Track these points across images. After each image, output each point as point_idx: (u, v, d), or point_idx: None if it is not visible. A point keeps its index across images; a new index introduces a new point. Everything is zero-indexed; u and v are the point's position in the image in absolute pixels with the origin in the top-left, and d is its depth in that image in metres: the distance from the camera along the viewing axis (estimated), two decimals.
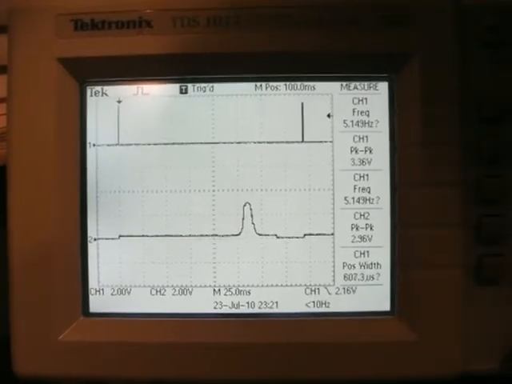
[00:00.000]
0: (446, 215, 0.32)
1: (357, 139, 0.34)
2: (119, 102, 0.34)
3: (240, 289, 0.34)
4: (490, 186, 0.32)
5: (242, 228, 0.34)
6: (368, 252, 0.34)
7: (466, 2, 0.32)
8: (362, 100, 0.34)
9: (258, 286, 0.34)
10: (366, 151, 0.34)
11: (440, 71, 0.32)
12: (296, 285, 0.34)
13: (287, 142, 0.34)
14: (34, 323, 0.33)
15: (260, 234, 0.34)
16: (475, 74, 0.33)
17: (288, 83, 0.34)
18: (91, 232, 0.34)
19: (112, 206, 0.34)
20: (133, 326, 0.33)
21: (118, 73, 0.33)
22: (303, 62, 0.33)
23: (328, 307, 0.34)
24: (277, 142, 0.34)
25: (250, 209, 0.34)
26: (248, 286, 0.34)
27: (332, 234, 0.34)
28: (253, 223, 0.34)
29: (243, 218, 0.34)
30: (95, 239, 0.34)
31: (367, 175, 0.34)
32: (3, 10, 0.33)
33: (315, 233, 0.34)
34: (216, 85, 0.34)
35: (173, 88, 0.34)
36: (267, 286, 0.34)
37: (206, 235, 0.34)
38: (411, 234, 0.33)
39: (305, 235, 0.34)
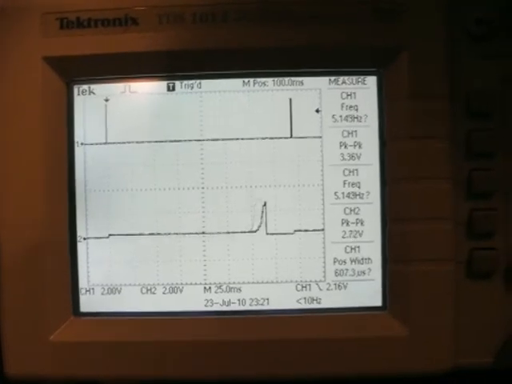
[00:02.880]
0: (436, 210, 0.32)
1: (346, 134, 0.34)
2: (106, 100, 0.34)
3: (231, 286, 0.34)
4: (480, 180, 0.32)
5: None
6: (359, 247, 0.34)
7: None
8: (350, 95, 0.34)
9: (248, 282, 0.34)
10: (355, 146, 0.34)
11: (429, 65, 0.32)
12: (287, 281, 0.34)
13: (276, 138, 0.33)
14: (25, 324, 0.32)
15: (250, 231, 0.34)
16: (464, 67, 0.32)
17: (276, 79, 0.34)
18: (80, 231, 0.34)
19: (101, 204, 0.34)
20: (124, 325, 0.33)
21: (104, 71, 0.33)
22: (291, 58, 0.33)
23: (319, 303, 0.34)
24: (265, 138, 0.33)
25: None
26: (239, 283, 0.34)
27: (322, 230, 0.34)
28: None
29: None
30: (85, 238, 0.34)
31: (357, 170, 0.34)
32: None
33: (305, 229, 0.34)
34: (203, 81, 0.34)
35: (160, 85, 0.34)
36: (258, 282, 0.34)
37: (196, 233, 0.34)
38: (402, 228, 0.33)
39: (295, 231, 0.34)
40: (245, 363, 0.32)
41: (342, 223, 0.34)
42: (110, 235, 0.34)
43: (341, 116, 0.34)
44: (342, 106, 0.34)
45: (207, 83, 0.34)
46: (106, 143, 0.34)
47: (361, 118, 0.34)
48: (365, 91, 0.34)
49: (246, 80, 0.34)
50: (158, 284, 0.34)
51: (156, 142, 0.34)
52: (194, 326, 0.33)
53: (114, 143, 0.34)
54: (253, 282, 0.34)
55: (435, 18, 0.32)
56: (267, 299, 0.34)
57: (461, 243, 0.32)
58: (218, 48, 0.32)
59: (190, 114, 0.34)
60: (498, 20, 0.32)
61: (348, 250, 0.34)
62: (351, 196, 0.34)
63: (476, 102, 0.32)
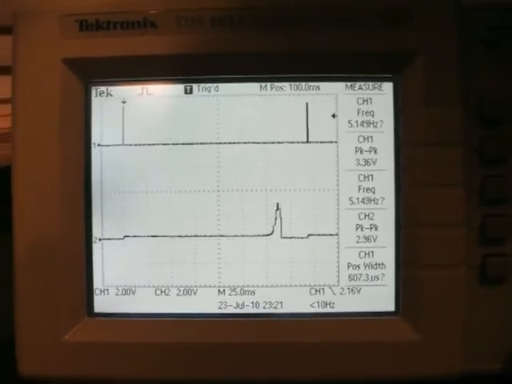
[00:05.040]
0: (450, 215, 0.32)
1: (361, 139, 0.34)
2: (124, 102, 0.34)
3: (245, 289, 0.34)
4: (493, 186, 0.33)
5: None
6: (372, 252, 0.34)
7: (468, 2, 0.33)
8: (366, 100, 0.34)
9: (262, 286, 0.34)
10: (370, 151, 0.34)
11: (444, 71, 0.32)
12: (301, 285, 0.34)
13: (292, 143, 0.34)
14: (39, 324, 0.33)
15: (265, 235, 0.34)
16: (478, 74, 0.33)
17: (293, 83, 0.34)
18: (96, 232, 0.34)
19: (117, 206, 0.34)
20: (137, 326, 0.34)
21: (122, 73, 0.33)
22: (308, 63, 0.33)
23: (333, 307, 0.34)
24: (281, 143, 0.34)
25: None
26: (253, 286, 0.34)
27: (337, 235, 0.34)
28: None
29: None
30: (100, 239, 0.34)
31: (372, 175, 0.34)
32: (7, 11, 0.33)
33: (320, 233, 0.34)
34: (221, 85, 0.34)
35: (177, 88, 0.34)
36: (272, 286, 0.34)
37: (211, 235, 0.34)
38: (416, 234, 0.33)
39: (309, 235, 0.34)
40: (258, 366, 0.33)
41: (357, 228, 0.34)
42: (125, 236, 0.34)
43: (357, 121, 0.34)
44: (358, 112, 0.34)
45: (224, 87, 0.34)
46: (122, 145, 0.34)
47: (376, 123, 0.34)
48: (381, 97, 0.34)
49: (263, 84, 0.34)
50: (173, 286, 0.34)
51: (172, 144, 0.34)
52: (207, 328, 0.33)
53: (130, 145, 0.34)
54: (267, 286, 0.34)
55: (449, 24, 0.32)
56: (281, 302, 0.34)
57: (473, 249, 0.33)
58: (235, 52, 0.32)
59: (207, 117, 0.34)
60: (511, 26, 0.33)
61: (362, 254, 0.34)
62: (366, 201, 0.34)
63: (489, 108, 0.32)
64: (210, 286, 0.34)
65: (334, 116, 0.34)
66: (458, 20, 0.32)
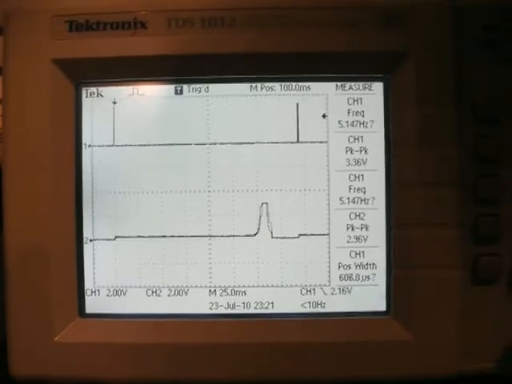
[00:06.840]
0: (441, 215, 0.32)
1: (352, 139, 0.34)
2: (114, 102, 0.34)
3: (236, 289, 0.34)
4: (486, 186, 0.32)
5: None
6: (363, 252, 0.34)
7: (461, 1, 0.32)
8: (357, 100, 0.34)
9: (253, 286, 0.34)
10: (361, 151, 0.34)
11: (435, 71, 0.32)
12: (291, 285, 0.34)
13: (282, 143, 0.34)
14: (30, 325, 0.33)
15: (255, 235, 0.34)
16: (472, 73, 0.33)
17: (283, 84, 0.34)
18: (87, 233, 0.34)
19: (108, 206, 0.34)
20: (129, 326, 0.33)
21: (113, 74, 0.33)
22: (298, 63, 0.33)
23: (324, 307, 0.34)
24: (272, 143, 0.34)
25: None
26: (244, 286, 0.34)
27: (327, 235, 0.34)
28: None
29: None
30: (91, 240, 0.34)
31: (362, 175, 0.34)
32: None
33: (310, 233, 0.34)
34: (211, 85, 0.34)
35: (168, 89, 0.34)
36: (263, 286, 0.34)
37: (202, 236, 0.34)
38: (407, 234, 0.33)
39: (300, 235, 0.34)
40: (248, 366, 0.33)
41: (347, 228, 0.34)
42: (116, 237, 0.34)
43: (347, 121, 0.34)
44: (349, 112, 0.34)
45: (215, 87, 0.34)
46: (113, 145, 0.34)
47: (367, 123, 0.34)
48: (371, 97, 0.34)
49: (254, 84, 0.34)
50: (164, 286, 0.34)
51: (163, 144, 0.34)
52: (198, 329, 0.33)
53: (121, 146, 0.34)
54: (258, 286, 0.34)
55: (441, 24, 0.32)
56: (272, 303, 0.34)
57: (466, 249, 0.32)
58: (226, 52, 0.32)
59: (198, 117, 0.34)
60: (505, 25, 0.32)
61: (353, 254, 0.34)
62: (356, 201, 0.34)
63: (483, 107, 0.32)
64: (201, 287, 0.34)
65: (324, 116, 0.34)
66: (452, 20, 0.32)
